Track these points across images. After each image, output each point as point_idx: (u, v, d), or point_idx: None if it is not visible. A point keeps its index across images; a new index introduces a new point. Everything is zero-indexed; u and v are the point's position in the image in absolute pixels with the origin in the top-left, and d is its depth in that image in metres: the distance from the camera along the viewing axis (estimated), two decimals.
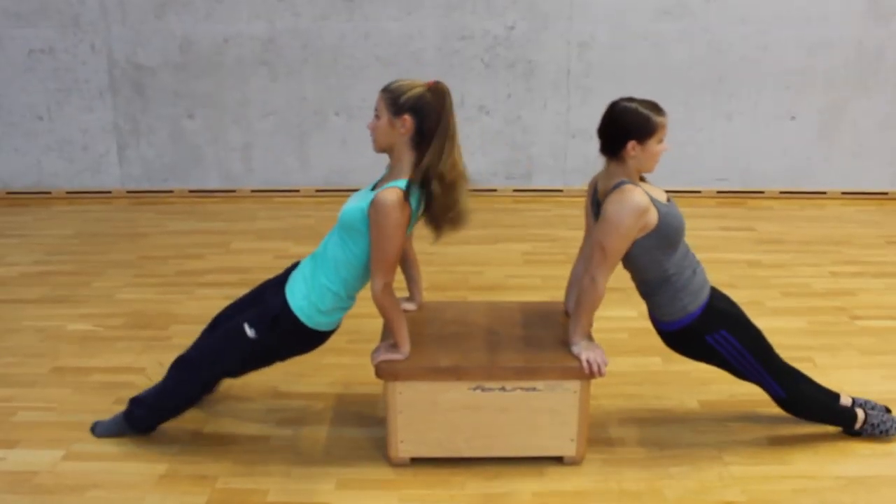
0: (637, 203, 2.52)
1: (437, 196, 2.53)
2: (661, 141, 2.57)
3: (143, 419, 2.92)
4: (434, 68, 5.81)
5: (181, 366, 2.84)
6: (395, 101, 2.51)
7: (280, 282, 2.81)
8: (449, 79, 5.86)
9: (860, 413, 2.90)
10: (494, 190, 6.15)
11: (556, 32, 5.82)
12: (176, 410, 2.91)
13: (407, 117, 2.50)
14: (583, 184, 6.14)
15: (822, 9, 5.70)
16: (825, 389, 2.95)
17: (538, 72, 5.90)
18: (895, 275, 4.60)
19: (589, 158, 6.09)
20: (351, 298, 2.73)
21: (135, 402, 2.93)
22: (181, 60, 5.92)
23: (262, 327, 2.69)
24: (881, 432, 2.90)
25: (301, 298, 2.67)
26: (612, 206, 2.54)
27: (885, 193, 6.11)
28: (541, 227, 5.45)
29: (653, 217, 2.56)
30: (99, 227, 5.53)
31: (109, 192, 6.23)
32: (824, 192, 6.13)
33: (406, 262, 3.01)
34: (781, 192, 6.14)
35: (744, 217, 5.70)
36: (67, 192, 6.23)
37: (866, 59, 5.81)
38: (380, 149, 2.61)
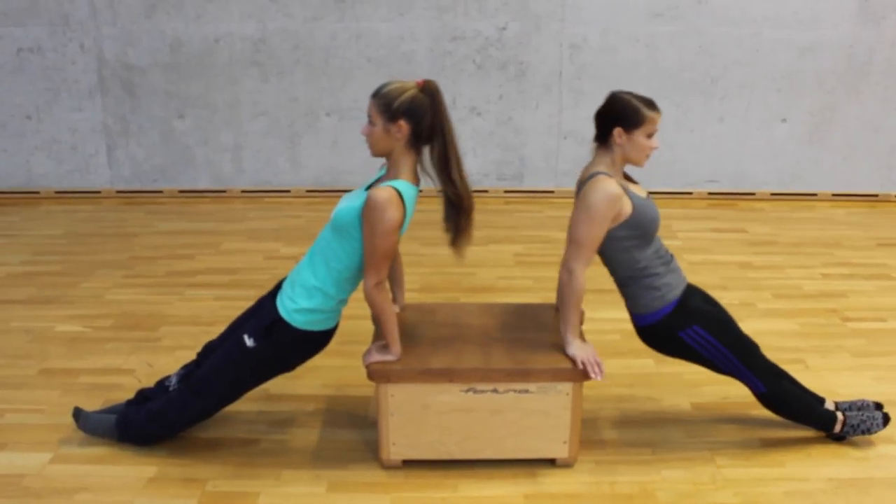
0: (610, 191, 2.56)
1: (455, 193, 2.55)
2: (650, 136, 2.62)
3: (139, 427, 2.86)
4: (425, 69, 5.80)
5: (189, 382, 2.80)
6: (388, 106, 2.49)
7: (275, 293, 2.80)
8: (440, 80, 5.85)
9: (839, 416, 2.90)
10: (486, 191, 6.14)
11: (548, 34, 5.81)
12: (175, 426, 2.86)
13: (402, 122, 2.49)
14: (574, 186, 6.14)
15: (813, 12, 5.72)
16: (810, 392, 2.96)
17: (530, 73, 5.90)
18: (886, 277, 4.62)
19: (580, 160, 6.09)
20: (342, 300, 2.70)
21: (133, 410, 2.89)
22: (172, 61, 5.89)
23: (259, 336, 2.67)
24: (863, 431, 2.90)
25: (288, 301, 2.67)
26: (586, 195, 2.59)
27: (876, 195, 6.13)
28: (533, 229, 5.44)
29: (627, 206, 2.61)
30: (88, 227, 5.50)
31: (99, 193, 6.19)
32: (815, 195, 6.15)
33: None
34: (772, 194, 6.15)
35: (735, 219, 5.71)
36: (56, 192, 6.19)
37: (857, 62, 5.83)
38: (377, 154, 2.59)
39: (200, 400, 2.78)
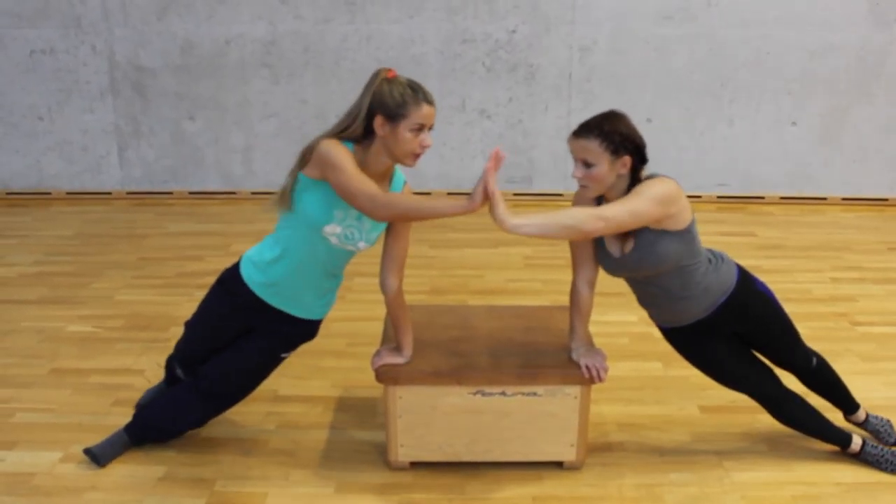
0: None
1: None
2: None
3: (155, 438, 2.88)
4: (435, 71, 5.81)
5: (209, 398, 2.80)
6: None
7: (249, 305, 2.73)
8: (450, 82, 5.91)
9: (856, 440, 2.81)
10: None
11: (557, 36, 5.81)
12: (185, 429, 2.91)
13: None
14: None
15: (824, 14, 5.70)
16: (823, 417, 2.88)
17: (540, 76, 5.90)
18: None
19: None
20: None
21: (146, 421, 2.87)
22: (182, 62, 5.91)
23: (294, 347, 2.79)
24: (880, 469, 2.80)
25: (326, 306, 2.75)
26: None
27: (886, 200, 6.10)
28: None
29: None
30: (99, 228, 5.53)
31: (109, 194, 6.22)
32: (825, 198, 6.12)
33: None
34: (782, 198, 6.14)
35: (744, 222, 5.69)
36: (67, 193, 6.22)
37: (868, 65, 5.81)
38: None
39: (214, 411, 2.86)
